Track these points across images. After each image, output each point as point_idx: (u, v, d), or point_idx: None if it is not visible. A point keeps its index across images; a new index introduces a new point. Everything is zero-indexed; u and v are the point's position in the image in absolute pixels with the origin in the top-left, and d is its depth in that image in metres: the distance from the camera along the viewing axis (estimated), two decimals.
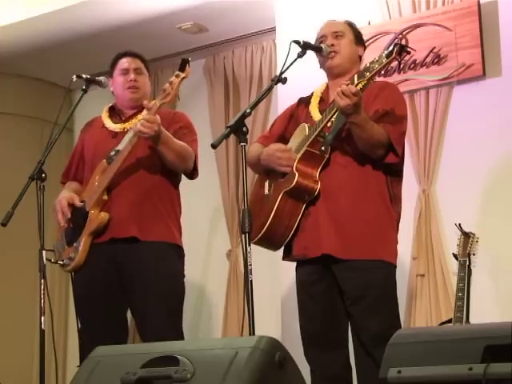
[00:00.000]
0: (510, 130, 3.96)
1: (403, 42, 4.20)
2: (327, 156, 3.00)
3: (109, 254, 3.28)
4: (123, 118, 3.48)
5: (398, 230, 3.09)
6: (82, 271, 3.34)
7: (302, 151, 3.00)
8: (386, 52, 2.78)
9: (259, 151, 3.19)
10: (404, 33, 4.26)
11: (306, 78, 3.72)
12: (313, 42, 3.09)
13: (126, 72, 3.47)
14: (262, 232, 3.02)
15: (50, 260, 3.35)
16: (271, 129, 3.35)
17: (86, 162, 3.51)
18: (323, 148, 2.99)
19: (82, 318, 3.41)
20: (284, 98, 4.13)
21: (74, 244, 3.32)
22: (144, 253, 3.27)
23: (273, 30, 4.93)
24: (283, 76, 2.91)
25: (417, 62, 4.18)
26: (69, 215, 3.36)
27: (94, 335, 3.25)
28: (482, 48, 4.03)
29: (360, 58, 3.19)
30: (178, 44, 5.42)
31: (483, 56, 4.03)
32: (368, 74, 2.79)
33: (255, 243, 3.08)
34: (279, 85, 2.97)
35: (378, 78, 2.90)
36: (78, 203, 3.35)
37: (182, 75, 3.18)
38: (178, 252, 3.39)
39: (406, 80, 4.20)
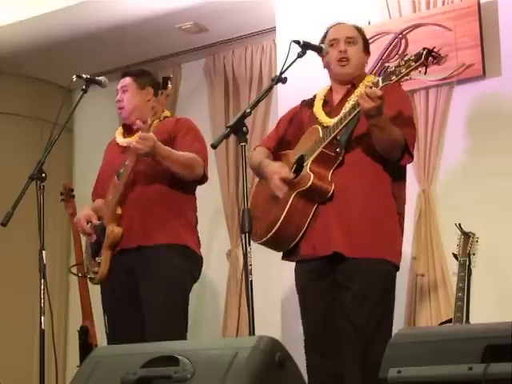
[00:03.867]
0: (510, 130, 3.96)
1: (403, 41, 4.20)
2: (341, 157, 3.00)
3: (121, 263, 3.40)
4: (130, 133, 3.56)
5: (403, 231, 3.10)
6: (105, 283, 3.47)
7: (316, 152, 3.00)
8: (413, 56, 2.77)
9: (261, 158, 3.21)
10: (404, 33, 4.25)
11: (306, 78, 3.72)
12: (313, 42, 3.08)
13: (117, 93, 3.58)
14: (273, 231, 3.02)
15: (77, 275, 3.54)
16: (275, 131, 3.35)
17: (103, 179, 3.62)
18: (338, 150, 2.99)
19: (109, 326, 3.50)
20: (284, 98, 4.13)
21: (97, 258, 3.45)
22: (147, 255, 3.35)
23: (273, 29, 4.92)
24: (283, 76, 2.90)
25: None
26: (91, 232, 3.47)
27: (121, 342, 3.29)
28: (481, 48, 4.03)
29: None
30: (178, 44, 5.42)
31: (483, 56, 4.03)
32: (394, 78, 2.79)
33: (262, 243, 3.08)
34: (279, 85, 2.96)
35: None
36: (95, 221, 3.46)
37: (166, 92, 3.27)
38: (184, 253, 3.42)
39: (406, 80, 4.19)
